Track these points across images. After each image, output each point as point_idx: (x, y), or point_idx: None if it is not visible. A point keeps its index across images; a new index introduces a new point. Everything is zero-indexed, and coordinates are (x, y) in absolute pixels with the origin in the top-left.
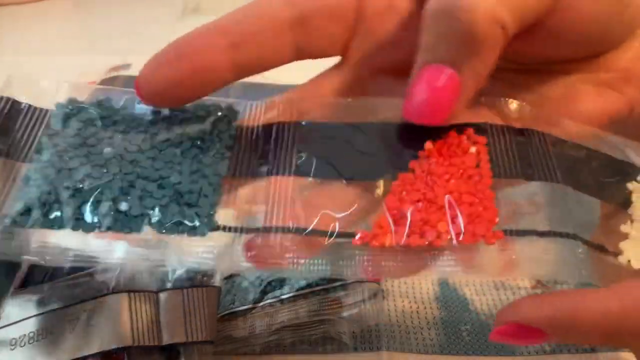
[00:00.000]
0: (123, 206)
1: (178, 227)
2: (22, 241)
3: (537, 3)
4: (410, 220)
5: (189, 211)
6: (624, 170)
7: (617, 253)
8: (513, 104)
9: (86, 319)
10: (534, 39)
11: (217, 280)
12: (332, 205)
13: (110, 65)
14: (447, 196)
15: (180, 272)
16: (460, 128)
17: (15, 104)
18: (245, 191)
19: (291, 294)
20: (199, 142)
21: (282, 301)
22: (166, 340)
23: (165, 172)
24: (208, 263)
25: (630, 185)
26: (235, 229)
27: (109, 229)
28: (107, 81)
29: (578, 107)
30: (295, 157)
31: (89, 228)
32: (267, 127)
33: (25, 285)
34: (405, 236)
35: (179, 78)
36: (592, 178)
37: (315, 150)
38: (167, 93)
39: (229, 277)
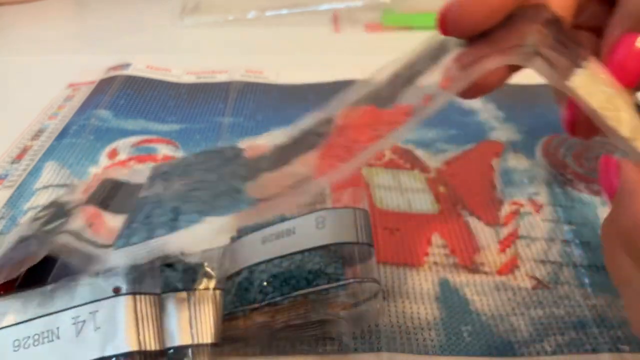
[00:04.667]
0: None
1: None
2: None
3: None
4: None
5: None
6: None
7: None
8: None
9: (92, 321)
10: None
11: (219, 281)
12: None
13: (109, 65)
14: None
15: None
16: None
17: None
18: None
19: (291, 295)
20: None
21: (282, 301)
22: (172, 342)
23: None
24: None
25: None
26: None
27: None
28: (106, 81)
29: None
30: None
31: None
32: None
33: (28, 284)
34: None
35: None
36: None
37: None
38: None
39: (229, 278)
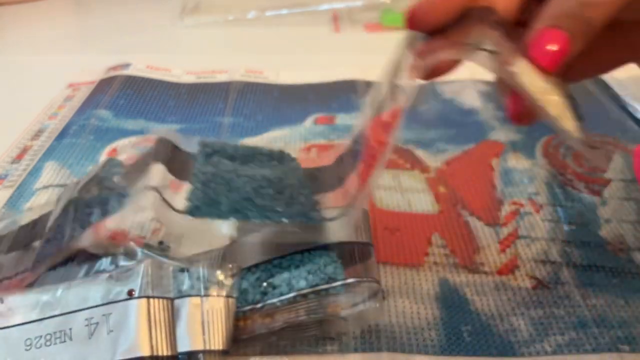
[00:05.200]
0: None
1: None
2: None
3: None
4: None
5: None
6: None
7: None
8: None
9: (105, 324)
10: None
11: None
12: None
13: (109, 64)
14: None
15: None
16: None
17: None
18: None
19: (291, 295)
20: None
21: (281, 302)
22: (183, 347)
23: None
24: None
25: None
26: None
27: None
28: (106, 81)
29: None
30: None
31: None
32: None
33: (40, 282)
34: None
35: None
36: None
37: None
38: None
39: None
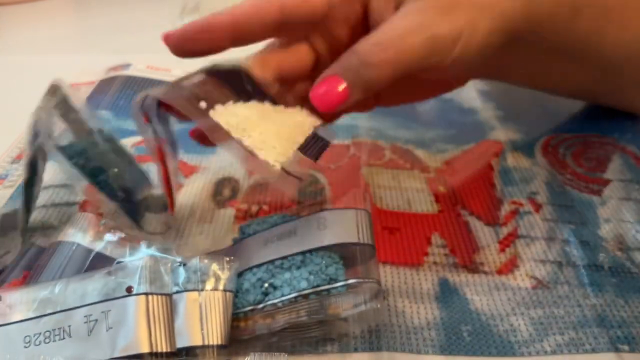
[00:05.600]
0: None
1: None
2: None
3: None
4: None
5: None
6: None
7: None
8: None
9: (104, 321)
10: None
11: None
12: None
13: (109, 65)
14: None
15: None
16: None
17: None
18: None
19: (292, 295)
20: None
21: (282, 302)
22: (182, 343)
23: None
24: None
25: None
26: None
27: None
28: (106, 81)
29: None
30: None
31: None
32: None
33: (38, 279)
34: None
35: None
36: None
37: None
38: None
39: None
